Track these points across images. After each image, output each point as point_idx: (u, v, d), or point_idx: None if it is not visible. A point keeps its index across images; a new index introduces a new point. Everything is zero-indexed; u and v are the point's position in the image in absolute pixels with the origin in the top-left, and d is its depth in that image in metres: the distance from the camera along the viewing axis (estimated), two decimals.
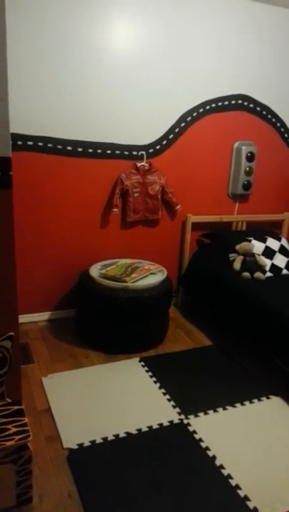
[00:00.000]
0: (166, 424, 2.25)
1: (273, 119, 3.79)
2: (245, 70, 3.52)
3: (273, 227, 4.02)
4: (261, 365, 2.87)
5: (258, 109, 3.68)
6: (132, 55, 3.09)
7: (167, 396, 2.49)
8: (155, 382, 2.63)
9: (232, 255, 3.40)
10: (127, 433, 2.16)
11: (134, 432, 2.18)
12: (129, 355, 2.93)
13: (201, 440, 2.14)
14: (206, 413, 2.36)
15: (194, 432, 2.20)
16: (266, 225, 4.02)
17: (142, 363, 2.84)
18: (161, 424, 2.24)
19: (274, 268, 3.38)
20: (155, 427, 2.22)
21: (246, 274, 3.22)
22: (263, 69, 3.59)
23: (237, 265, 3.29)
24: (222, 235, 3.66)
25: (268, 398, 2.52)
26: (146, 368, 2.78)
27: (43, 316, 3.41)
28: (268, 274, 3.33)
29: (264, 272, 3.31)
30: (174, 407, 2.40)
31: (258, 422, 2.31)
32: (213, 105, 3.49)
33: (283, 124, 3.85)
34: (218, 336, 3.28)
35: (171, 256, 3.76)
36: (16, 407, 1.76)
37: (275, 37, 3.54)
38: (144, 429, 2.20)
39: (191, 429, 2.22)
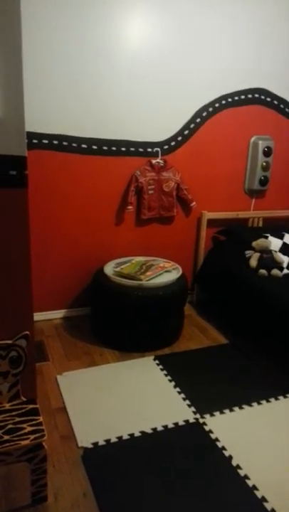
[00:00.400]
0: (181, 423, 2.23)
1: None
2: (261, 63, 3.44)
3: None
4: (278, 363, 2.82)
5: (275, 102, 3.61)
6: (146, 51, 3.05)
7: (182, 395, 2.47)
8: (170, 380, 2.61)
9: (248, 252, 3.36)
10: (142, 432, 2.15)
11: (150, 431, 2.16)
12: (143, 354, 2.92)
13: (217, 440, 2.11)
14: (222, 412, 2.33)
15: (210, 431, 2.17)
16: (283, 221, 3.95)
17: (157, 362, 2.82)
18: (176, 424, 2.23)
19: None
20: (170, 426, 2.21)
21: (263, 271, 3.17)
22: (280, 62, 3.51)
23: (253, 262, 3.24)
24: (238, 231, 3.61)
25: (285, 397, 2.48)
26: (161, 367, 2.76)
27: (58, 314, 3.42)
28: (286, 271, 3.27)
29: (281, 269, 3.24)
30: (190, 406, 2.37)
31: (275, 422, 2.27)
32: (229, 100, 3.43)
33: None
34: (234, 334, 3.24)
35: (187, 253, 3.72)
36: (30, 406, 1.76)
37: None
38: (160, 428, 2.19)
39: (206, 428, 2.20)
